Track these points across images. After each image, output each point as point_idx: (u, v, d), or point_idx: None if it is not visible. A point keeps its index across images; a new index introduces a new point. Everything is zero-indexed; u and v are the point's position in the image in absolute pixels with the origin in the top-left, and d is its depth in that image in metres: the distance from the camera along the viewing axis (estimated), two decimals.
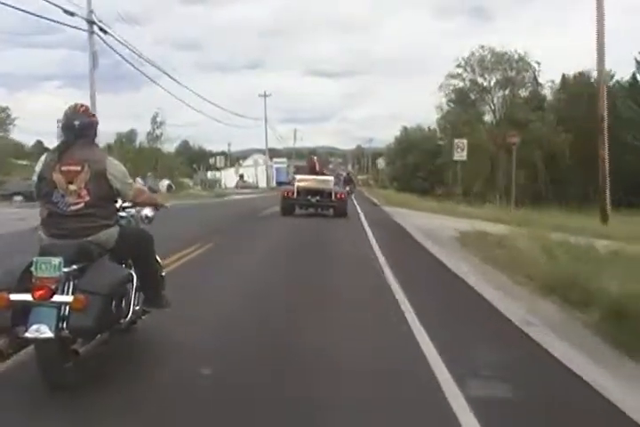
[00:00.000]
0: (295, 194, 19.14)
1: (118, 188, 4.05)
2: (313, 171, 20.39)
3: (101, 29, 25.37)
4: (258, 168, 69.08)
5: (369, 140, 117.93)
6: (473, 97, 47.18)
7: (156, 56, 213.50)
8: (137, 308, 4.18)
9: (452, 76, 47.31)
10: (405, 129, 65.67)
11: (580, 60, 72.95)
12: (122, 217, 4.43)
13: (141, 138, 53.44)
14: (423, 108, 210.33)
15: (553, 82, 46.64)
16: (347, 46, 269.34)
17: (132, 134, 60.73)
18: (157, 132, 58.71)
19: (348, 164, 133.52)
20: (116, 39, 26.26)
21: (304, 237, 14.02)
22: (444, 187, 62.44)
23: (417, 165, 57.63)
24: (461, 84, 47.22)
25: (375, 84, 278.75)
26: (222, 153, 78.60)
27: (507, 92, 45.19)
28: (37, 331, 3.36)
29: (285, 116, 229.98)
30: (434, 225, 16.29)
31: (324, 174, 20.93)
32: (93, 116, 4.16)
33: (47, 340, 3.38)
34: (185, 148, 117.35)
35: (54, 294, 3.45)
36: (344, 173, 41.44)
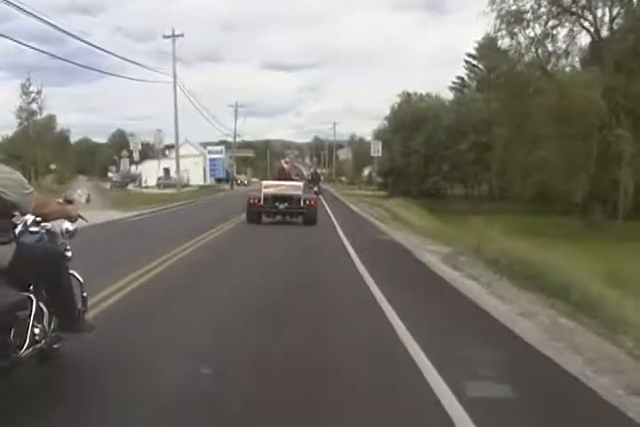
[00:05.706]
0: (262, 201, 17.99)
1: (12, 200, 3.41)
2: (281, 176, 19.55)
3: None
4: (190, 160, 49.37)
5: (333, 124, 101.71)
6: (548, 20, 27.33)
7: (110, 47, 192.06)
8: (53, 334, 3.79)
9: None
10: (408, 95, 42.62)
11: None
12: (32, 232, 3.85)
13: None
14: (380, 100, 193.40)
15: None
16: (304, 39, 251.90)
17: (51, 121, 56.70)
18: (33, 106, 49.36)
19: (306, 156, 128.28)
20: None
21: None
22: (469, 187, 42.90)
23: (431, 152, 37.39)
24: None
25: (331, 78, 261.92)
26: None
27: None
28: None
29: (241, 110, 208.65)
30: None
31: (292, 180, 19.82)
32: None
33: None
34: (118, 138, 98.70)
35: None
36: (309, 172, 35.31)
